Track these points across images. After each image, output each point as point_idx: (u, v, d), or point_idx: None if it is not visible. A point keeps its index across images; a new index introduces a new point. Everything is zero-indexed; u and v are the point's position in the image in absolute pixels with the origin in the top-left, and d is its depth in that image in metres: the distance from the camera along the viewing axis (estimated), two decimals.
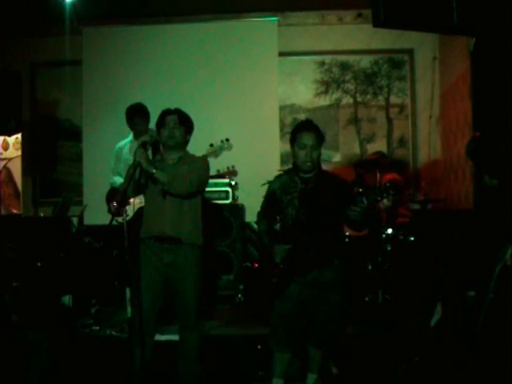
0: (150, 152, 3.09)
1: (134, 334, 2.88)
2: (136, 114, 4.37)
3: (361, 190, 2.96)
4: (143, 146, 2.97)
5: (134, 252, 3.00)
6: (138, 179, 2.94)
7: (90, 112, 6.16)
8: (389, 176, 4.88)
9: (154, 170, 2.94)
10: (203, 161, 3.27)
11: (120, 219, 3.49)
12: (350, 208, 2.73)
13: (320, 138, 2.99)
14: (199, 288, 3.13)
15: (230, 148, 4.05)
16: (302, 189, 2.98)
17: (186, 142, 3.25)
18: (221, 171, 4.99)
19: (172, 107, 3.24)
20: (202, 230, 3.20)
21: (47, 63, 6.52)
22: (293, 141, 3.01)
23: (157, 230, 3.09)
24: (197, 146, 3.85)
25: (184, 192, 3.04)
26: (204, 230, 3.22)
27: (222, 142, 3.98)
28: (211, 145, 3.95)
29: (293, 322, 2.95)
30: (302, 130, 2.97)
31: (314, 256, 2.91)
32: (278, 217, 3.11)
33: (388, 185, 2.75)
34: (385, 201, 4.64)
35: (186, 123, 3.17)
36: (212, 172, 4.63)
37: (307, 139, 2.94)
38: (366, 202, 2.73)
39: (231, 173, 5.04)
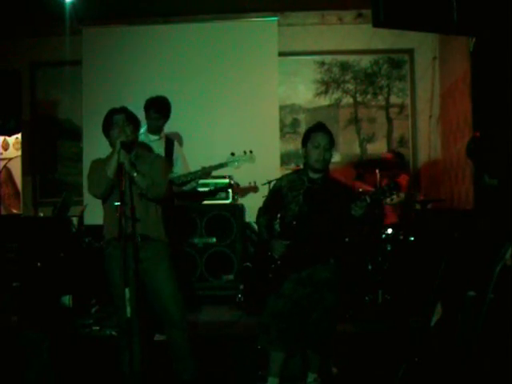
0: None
1: (124, 335, 2.88)
2: (152, 107, 4.14)
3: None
4: (123, 146, 2.93)
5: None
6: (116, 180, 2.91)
7: (89, 112, 6.14)
8: (401, 178, 4.90)
9: (135, 174, 2.94)
10: (163, 162, 3.29)
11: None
12: (353, 203, 2.80)
13: (332, 142, 3.07)
14: (175, 283, 3.11)
15: (253, 161, 3.81)
16: (308, 187, 3.03)
17: (137, 139, 3.22)
18: (240, 185, 4.93)
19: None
20: (165, 229, 3.20)
21: (47, 63, 6.53)
22: (306, 140, 3.05)
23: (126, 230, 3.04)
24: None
25: (161, 197, 3.09)
26: (170, 230, 3.23)
27: (244, 153, 3.76)
28: (232, 154, 3.71)
29: (286, 322, 2.94)
30: (318, 130, 3.04)
31: (309, 253, 2.94)
32: (278, 215, 3.14)
33: (392, 185, 2.82)
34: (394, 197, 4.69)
35: (133, 121, 3.12)
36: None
37: (322, 139, 3.00)
38: (369, 201, 2.80)
39: (252, 188, 4.92)
